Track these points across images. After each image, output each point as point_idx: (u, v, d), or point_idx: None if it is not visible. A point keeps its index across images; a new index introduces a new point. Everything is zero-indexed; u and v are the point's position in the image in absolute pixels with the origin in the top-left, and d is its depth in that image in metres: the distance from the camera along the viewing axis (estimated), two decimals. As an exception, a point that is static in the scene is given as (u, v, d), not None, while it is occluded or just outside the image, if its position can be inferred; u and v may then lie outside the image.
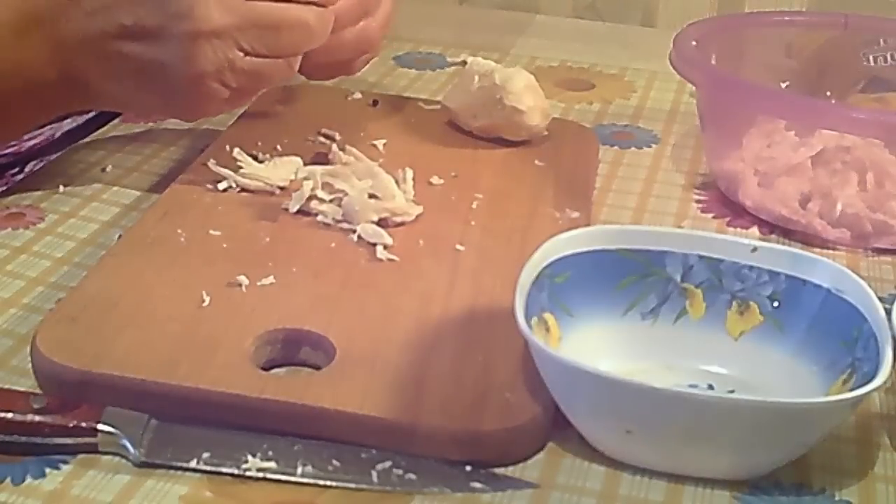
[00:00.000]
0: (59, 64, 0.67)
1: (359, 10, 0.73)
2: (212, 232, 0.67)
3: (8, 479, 0.51)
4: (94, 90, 0.68)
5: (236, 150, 0.73)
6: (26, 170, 0.87)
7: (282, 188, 0.72)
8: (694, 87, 0.86)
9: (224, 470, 0.52)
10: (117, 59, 0.66)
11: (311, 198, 0.70)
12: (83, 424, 0.52)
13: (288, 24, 0.66)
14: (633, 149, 0.88)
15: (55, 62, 0.67)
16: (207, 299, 0.61)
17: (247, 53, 0.66)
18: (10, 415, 0.52)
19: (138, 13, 0.65)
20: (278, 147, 0.77)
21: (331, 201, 0.70)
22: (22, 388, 0.56)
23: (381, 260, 0.66)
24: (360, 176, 0.72)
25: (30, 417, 0.52)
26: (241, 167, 0.72)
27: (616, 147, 0.88)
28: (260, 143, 0.77)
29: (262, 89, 0.70)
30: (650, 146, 0.89)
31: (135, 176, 0.79)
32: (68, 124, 0.89)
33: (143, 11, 0.65)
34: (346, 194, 0.69)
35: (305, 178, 0.71)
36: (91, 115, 0.91)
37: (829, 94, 0.88)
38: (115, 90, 0.68)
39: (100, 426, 0.52)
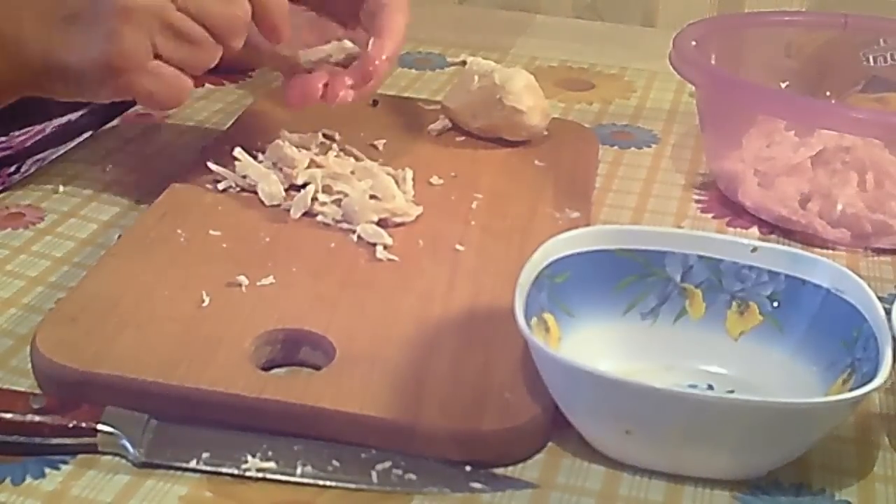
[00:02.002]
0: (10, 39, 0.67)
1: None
2: (211, 232, 0.67)
3: (8, 480, 0.51)
4: (25, 51, 0.68)
5: (237, 149, 0.73)
6: (23, 169, 0.87)
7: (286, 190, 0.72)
8: (693, 87, 0.86)
9: (224, 470, 0.52)
10: (52, 5, 0.67)
11: (311, 198, 0.70)
12: (83, 424, 0.52)
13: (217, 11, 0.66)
14: (632, 149, 0.88)
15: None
16: (207, 299, 0.61)
17: (175, 34, 0.66)
18: (9, 415, 0.52)
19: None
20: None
21: (331, 202, 0.70)
22: (22, 389, 0.56)
23: (380, 260, 0.66)
24: (360, 176, 0.72)
25: (29, 417, 0.52)
26: (239, 161, 0.72)
27: (616, 147, 0.88)
28: (260, 143, 0.77)
29: (179, 81, 0.69)
30: (650, 146, 0.89)
31: (134, 176, 0.79)
32: (58, 120, 0.89)
33: None
34: (346, 195, 0.69)
35: (306, 183, 0.71)
36: (84, 110, 0.91)
37: (828, 94, 0.88)
38: (45, 45, 0.67)
39: (99, 426, 0.52)
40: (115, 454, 0.52)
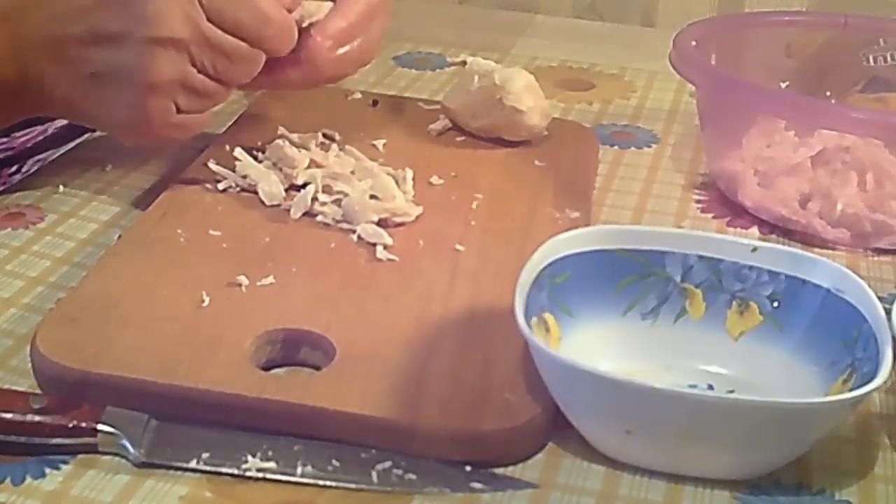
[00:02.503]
0: (19, 63, 0.67)
1: (364, 25, 0.72)
2: (212, 232, 0.67)
3: (8, 480, 0.51)
4: (48, 94, 0.68)
5: (237, 149, 0.73)
6: (24, 169, 0.87)
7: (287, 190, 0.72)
8: (694, 87, 0.86)
9: (224, 470, 0.52)
10: (76, 62, 0.66)
11: (311, 199, 0.70)
12: (83, 424, 0.52)
13: (240, 55, 0.67)
14: (632, 149, 0.88)
15: (15, 61, 0.67)
16: (207, 299, 0.61)
17: (199, 71, 0.66)
18: (9, 415, 0.52)
19: (104, 17, 0.65)
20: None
21: (331, 202, 0.70)
22: (22, 388, 0.56)
23: (380, 260, 0.66)
24: (360, 176, 0.72)
25: (30, 417, 0.52)
26: (239, 161, 0.72)
27: (616, 147, 0.88)
28: (260, 143, 0.77)
29: (202, 117, 0.70)
30: (650, 146, 0.89)
31: (134, 176, 0.79)
32: (60, 120, 0.89)
33: (109, 15, 0.65)
34: (346, 195, 0.69)
35: (306, 183, 0.71)
36: None
37: (828, 94, 0.88)
38: (68, 95, 0.68)
39: (100, 426, 0.52)
40: (115, 454, 0.52)
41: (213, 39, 0.65)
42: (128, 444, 0.52)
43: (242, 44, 0.66)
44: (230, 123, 0.84)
